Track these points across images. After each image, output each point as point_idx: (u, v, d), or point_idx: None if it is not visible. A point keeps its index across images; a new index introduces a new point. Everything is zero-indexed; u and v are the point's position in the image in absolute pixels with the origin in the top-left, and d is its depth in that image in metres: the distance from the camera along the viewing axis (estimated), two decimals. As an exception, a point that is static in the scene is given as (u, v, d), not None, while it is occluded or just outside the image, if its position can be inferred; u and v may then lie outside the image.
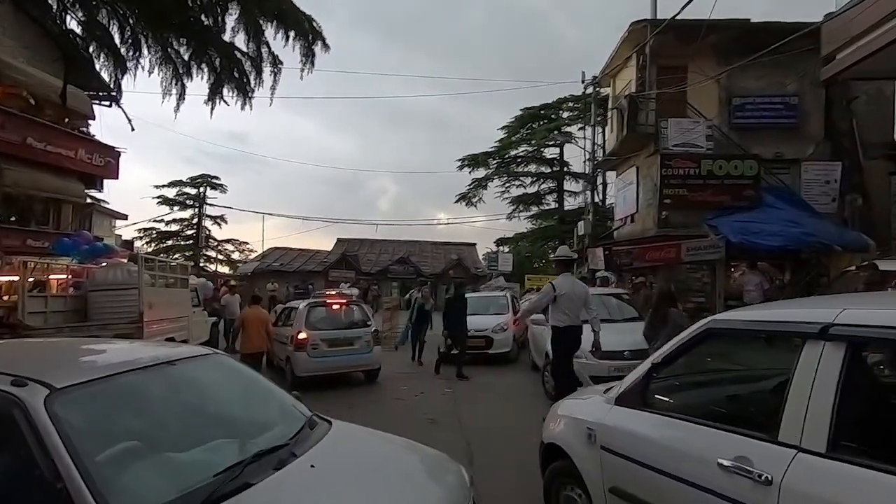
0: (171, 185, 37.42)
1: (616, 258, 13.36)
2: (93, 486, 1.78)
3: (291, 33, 8.42)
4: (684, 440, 2.35)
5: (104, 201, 23.96)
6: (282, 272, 28.64)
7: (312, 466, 2.25)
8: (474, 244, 36.44)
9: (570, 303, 5.82)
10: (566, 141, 29.24)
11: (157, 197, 37.02)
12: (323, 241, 54.25)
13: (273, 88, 9.36)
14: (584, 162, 18.53)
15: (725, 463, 2.07)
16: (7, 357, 2.42)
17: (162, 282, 8.95)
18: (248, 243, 41.42)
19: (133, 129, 13.90)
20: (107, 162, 15.53)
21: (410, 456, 2.77)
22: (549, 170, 32.13)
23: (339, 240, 35.16)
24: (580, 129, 26.89)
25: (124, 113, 11.46)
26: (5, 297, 8.66)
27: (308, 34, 8.49)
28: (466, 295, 10.76)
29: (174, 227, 38.26)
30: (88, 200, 16.25)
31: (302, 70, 8.77)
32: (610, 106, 16.89)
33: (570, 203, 31.44)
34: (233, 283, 16.95)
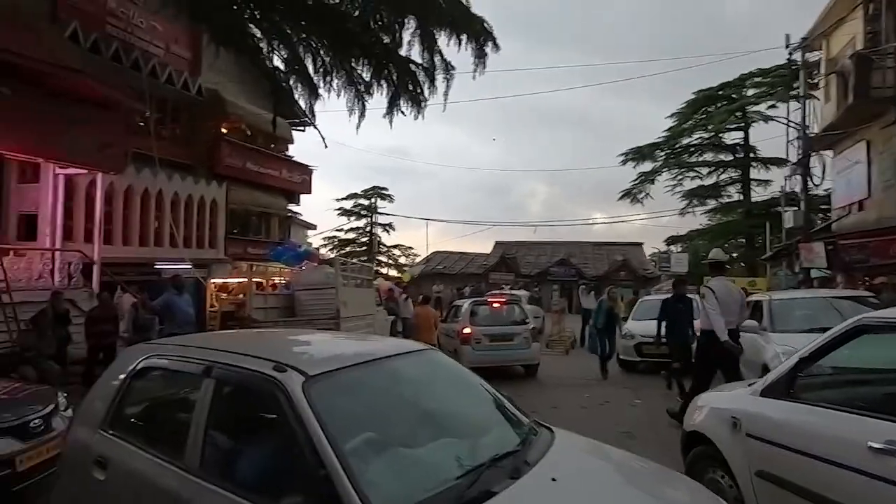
0: (348, 197, 41.88)
1: (844, 254, 10.96)
2: (350, 473, 1.78)
3: (464, 37, 8.57)
4: (833, 426, 2.50)
5: (298, 214, 27.86)
6: (445, 275, 29.98)
7: (554, 480, 2.01)
8: (640, 244, 33.83)
9: (726, 307, 5.60)
10: (757, 120, 25.34)
11: (338, 209, 41.78)
12: (482, 245, 55.68)
13: (446, 94, 9.66)
14: (789, 142, 15.61)
15: (876, 445, 2.22)
16: (261, 345, 2.66)
17: (352, 282, 9.84)
18: (412, 248, 44.52)
19: (326, 147, 15.53)
20: (303, 179, 17.89)
21: (656, 474, 2.40)
22: (730, 157, 28.30)
23: (497, 243, 35.61)
24: (770, 107, 23.08)
25: (319, 133, 13.00)
26: (240, 296, 10.31)
27: (479, 36, 8.56)
28: (644, 298, 9.85)
29: (351, 235, 42.83)
30: (289, 213, 18.84)
31: (474, 72, 8.88)
32: (823, 72, 14.03)
33: (759, 194, 27.24)
34: (405, 284, 18.03)
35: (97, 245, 10.16)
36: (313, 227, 30.57)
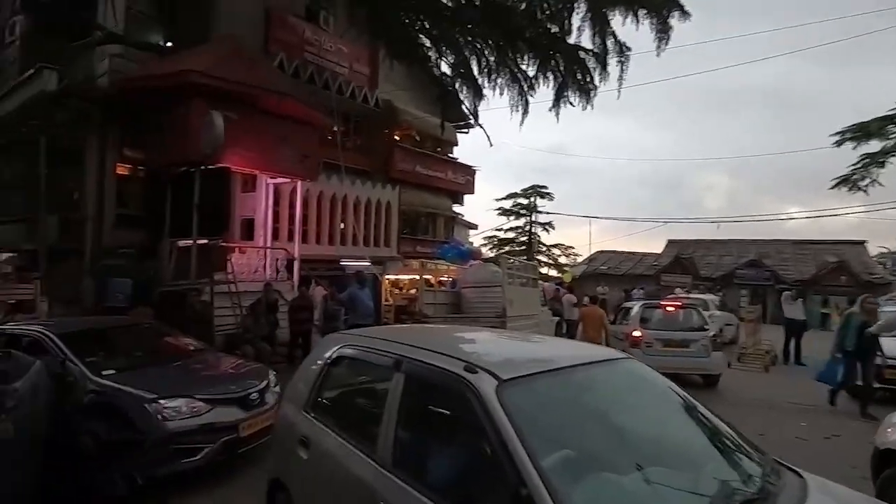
0: (508, 197, 42.13)
1: None
2: (555, 497, 1.55)
3: (642, 13, 7.81)
4: None
5: (461, 214, 28.96)
6: (609, 275, 28.21)
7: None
8: (862, 242, 27.52)
9: None
10: None
11: (497, 209, 42.34)
12: (650, 244, 51.35)
13: (620, 79, 8.97)
14: None
15: None
16: (449, 343, 2.59)
17: (518, 281, 9.69)
18: (573, 248, 42.99)
19: (491, 145, 15.68)
20: (466, 180, 18.42)
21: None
22: None
23: (670, 241, 32.35)
24: None
25: (485, 132, 13.53)
26: (411, 291, 10.95)
27: (661, 7, 7.71)
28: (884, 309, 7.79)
29: (510, 235, 43.03)
30: (453, 213, 19.57)
31: (658, 48, 8.04)
32: None
33: None
34: (567, 285, 17.35)
35: (297, 244, 11.71)
36: (474, 226, 31.41)
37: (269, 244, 11.38)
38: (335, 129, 14.15)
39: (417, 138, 17.31)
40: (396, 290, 12.05)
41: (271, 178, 11.51)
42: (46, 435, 1.29)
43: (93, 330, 5.28)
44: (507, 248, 42.64)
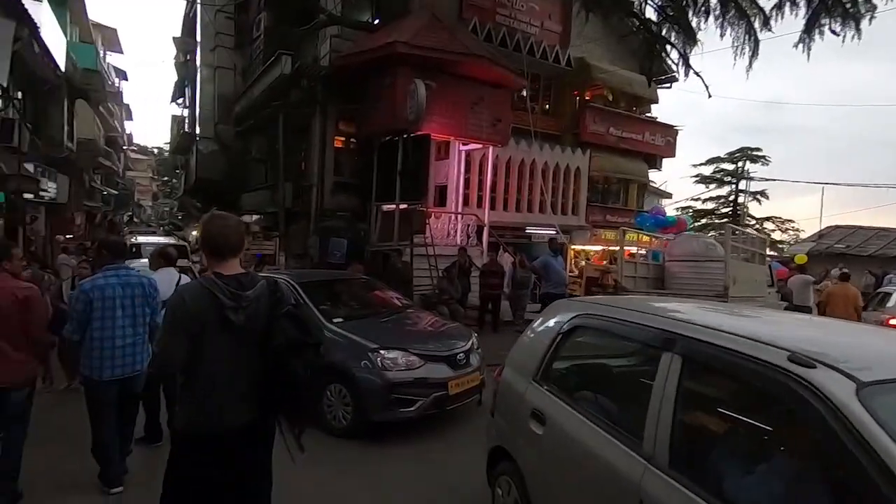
0: (709, 162, 36.92)
1: None
2: None
3: None
4: None
5: (652, 181, 26.21)
6: (849, 256, 22.79)
7: None
8: None
9: None
10: None
11: (695, 175, 37.47)
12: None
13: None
14: None
15: None
16: (736, 320, 2.02)
17: (741, 255, 8.21)
18: (792, 221, 36.04)
19: (710, 96, 13.63)
20: (666, 141, 16.40)
21: None
22: None
23: (945, 215, 24.69)
24: None
25: (702, 81, 11.27)
26: (604, 262, 10.20)
27: None
28: None
29: (709, 206, 37.82)
30: (648, 180, 17.69)
31: None
32: None
33: None
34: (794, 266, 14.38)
35: (486, 210, 11.78)
36: (668, 195, 28.35)
37: (459, 210, 11.69)
38: (524, 93, 13.78)
39: (610, 98, 15.90)
40: (584, 261, 11.36)
41: (463, 144, 11.70)
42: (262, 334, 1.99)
43: (323, 281, 5.91)
44: (703, 221, 37.74)
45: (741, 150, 36.11)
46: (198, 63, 17.02)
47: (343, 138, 11.81)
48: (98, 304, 3.32)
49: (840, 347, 1.65)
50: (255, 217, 13.89)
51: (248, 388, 2.07)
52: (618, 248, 14.00)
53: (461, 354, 4.81)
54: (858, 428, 1.25)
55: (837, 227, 27.13)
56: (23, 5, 7.97)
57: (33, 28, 9.62)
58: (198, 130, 16.50)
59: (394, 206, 9.74)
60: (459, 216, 11.31)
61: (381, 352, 4.44)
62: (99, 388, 3.39)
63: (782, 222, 36.65)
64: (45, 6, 11.43)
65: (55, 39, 12.31)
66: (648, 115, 16.61)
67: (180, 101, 23.76)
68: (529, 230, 13.75)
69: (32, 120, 12.66)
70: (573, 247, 13.59)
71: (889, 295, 9.74)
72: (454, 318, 8.22)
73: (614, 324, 2.29)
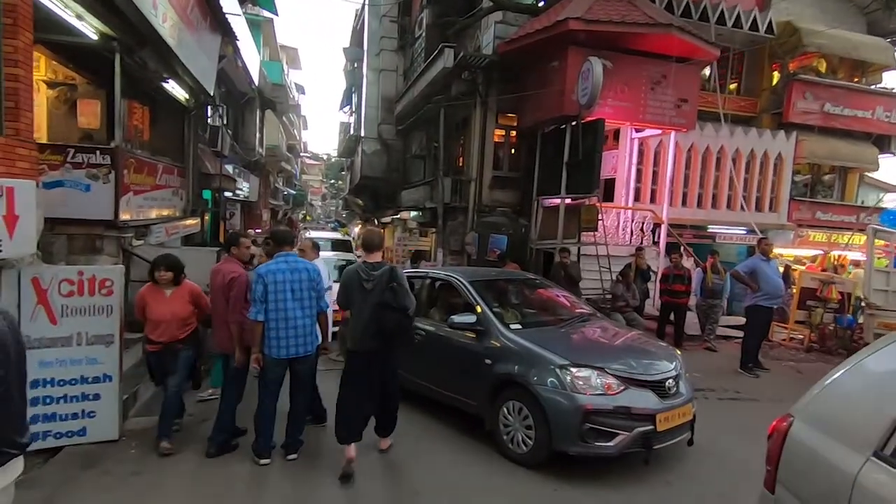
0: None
1: None
2: None
3: None
4: None
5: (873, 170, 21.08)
6: None
7: None
8: None
9: None
10: None
11: (929, 164, 29.56)
12: None
13: None
14: None
15: None
16: None
17: None
18: None
19: None
20: (906, 117, 12.82)
21: None
22: None
23: None
24: None
25: None
26: (824, 271, 8.11)
27: None
28: None
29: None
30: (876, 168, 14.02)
31: None
32: None
33: None
34: None
35: (665, 205, 10.26)
36: (893, 189, 22.58)
37: (630, 205, 10.36)
38: (707, 71, 11.80)
39: (823, 68, 12.92)
40: (797, 267, 9.19)
41: (637, 130, 10.33)
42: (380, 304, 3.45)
43: (495, 280, 5.34)
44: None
45: None
46: (364, 69, 18.01)
47: (503, 131, 11.28)
48: (271, 288, 3.61)
49: None
50: (413, 213, 14.11)
51: (370, 327, 3.50)
52: (842, 252, 11.35)
53: (670, 380, 3.83)
54: None
55: None
56: (229, 24, 8.86)
57: (236, 46, 10.78)
58: (362, 132, 17.43)
59: (558, 200, 8.87)
60: (632, 212, 9.99)
61: (573, 369, 3.67)
62: (272, 365, 3.67)
63: None
64: (244, 26, 12.88)
65: (251, 57, 13.88)
66: (880, 85, 13.15)
67: (347, 108, 25.71)
68: (713, 229, 11.76)
69: (232, 128, 14.47)
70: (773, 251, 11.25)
71: None
72: (631, 328, 7.10)
73: None
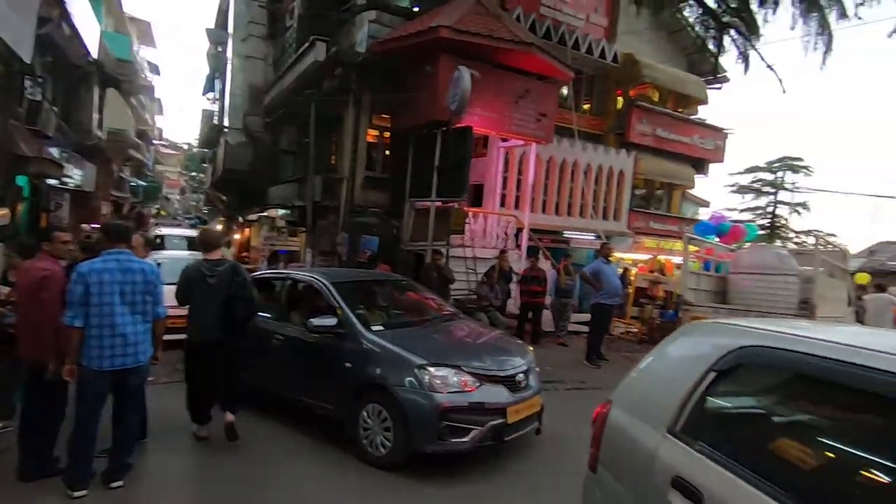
0: (748, 171, 35.41)
1: None
2: None
3: None
4: None
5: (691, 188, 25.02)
6: (904, 274, 21.31)
7: None
8: None
9: None
10: None
11: (732, 185, 35.98)
12: (958, 237, 37.86)
13: None
14: None
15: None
16: None
17: (822, 270, 7.29)
18: (834, 235, 34.27)
19: (784, 91, 12.77)
20: (715, 145, 15.39)
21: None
22: None
23: None
24: None
25: (776, 75, 10.36)
26: (653, 272, 9.36)
27: None
28: None
29: (746, 217, 36.20)
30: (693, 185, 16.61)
31: None
32: None
33: None
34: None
35: (527, 212, 11.02)
36: (706, 203, 26.98)
37: (497, 211, 10.96)
38: (564, 90, 12.99)
39: (656, 98, 14.97)
40: (633, 269, 10.50)
41: (503, 140, 10.97)
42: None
43: (360, 282, 5.25)
44: (739, 232, 36.10)
45: (781, 159, 34.59)
46: (229, 54, 16.67)
47: (376, 131, 11.22)
48: (95, 289, 3.16)
49: None
50: (281, 211, 13.38)
51: (215, 320, 3.85)
52: (666, 257, 13.17)
53: (520, 375, 4.08)
54: None
55: (891, 242, 25.56)
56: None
57: (64, 8, 9.25)
58: (226, 122, 16.13)
59: (430, 202, 9.06)
60: (498, 217, 10.57)
61: (430, 369, 3.73)
62: (92, 378, 3.20)
63: (824, 236, 34.87)
64: (77, -12, 11.12)
65: (88, 25, 12.03)
66: (696, 117, 15.61)
67: (211, 94, 23.59)
68: (568, 235, 12.93)
69: (62, 105, 12.40)
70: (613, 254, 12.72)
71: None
72: (493, 326, 7.50)
73: (823, 365, 1.53)
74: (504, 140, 10.97)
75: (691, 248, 8.17)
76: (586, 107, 14.25)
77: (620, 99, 14.32)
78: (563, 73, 10.03)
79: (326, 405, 4.24)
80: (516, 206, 11.65)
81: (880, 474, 1.37)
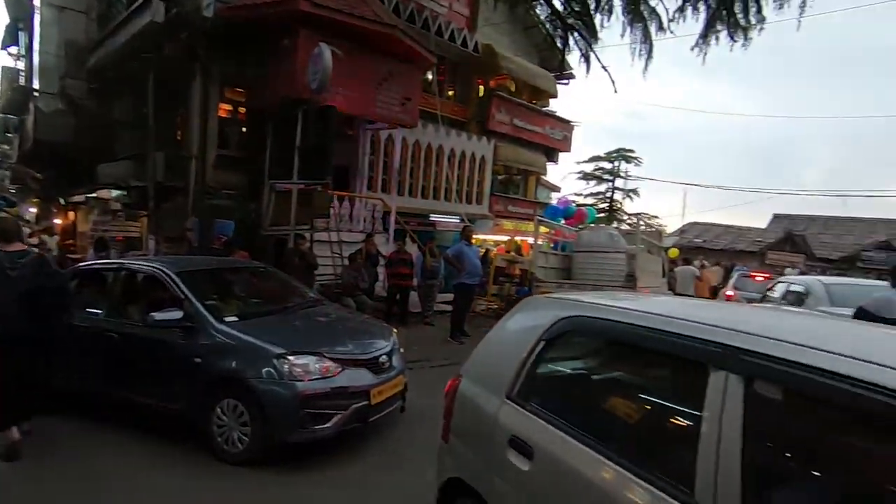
0: (591, 160, 39.70)
1: None
2: None
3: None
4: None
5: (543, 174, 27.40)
6: (706, 250, 25.84)
7: None
8: None
9: None
10: None
11: (578, 172, 40.08)
12: (748, 219, 46.93)
13: (802, 6, 7.27)
14: None
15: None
16: (793, 329, 1.64)
17: (643, 248, 8.53)
18: (657, 217, 40.23)
19: (616, 91, 14.20)
20: (564, 136, 16.96)
21: None
22: None
23: (776, 216, 29.13)
24: None
25: (609, 75, 11.59)
26: (511, 252, 10.10)
27: None
28: None
29: (590, 201, 40.69)
30: (546, 172, 18.15)
31: None
32: None
33: None
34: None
35: (394, 195, 11.09)
36: (557, 189, 29.73)
37: (363, 194, 10.86)
38: (429, 76, 13.25)
39: (513, 89, 15.97)
40: (493, 250, 11.23)
41: (369, 122, 10.85)
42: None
43: (210, 270, 4.86)
44: (585, 215, 40.41)
45: (618, 150, 39.33)
46: (36, 1, 13.90)
47: (230, 106, 10.32)
48: None
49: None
50: (115, 192, 11.69)
51: (18, 310, 3.43)
52: (523, 238, 14.25)
53: (384, 356, 4.17)
54: None
55: (696, 223, 30.71)
56: None
57: None
58: (36, 84, 13.51)
59: (292, 185, 8.65)
60: (364, 200, 10.48)
61: (290, 357, 3.63)
62: None
63: (650, 218, 40.69)
64: None
65: None
66: (548, 109, 17.01)
67: (13, 49, 19.46)
68: (434, 218, 13.33)
69: None
70: (475, 236, 13.45)
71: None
72: (361, 311, 7.50)
73: (627, 330, 1.83)
74: (370, 122, 10.86)
75: (542, 229, 8.98)
76: (451, 93, 14.69)
77: (482, 88, 15.00)
78: (426, 57, 10.19)
79: (170, 405, 3.90)
80: (383, 190, 11.67)
81: (680, 419, 1.69)
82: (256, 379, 3.57)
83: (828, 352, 1.27)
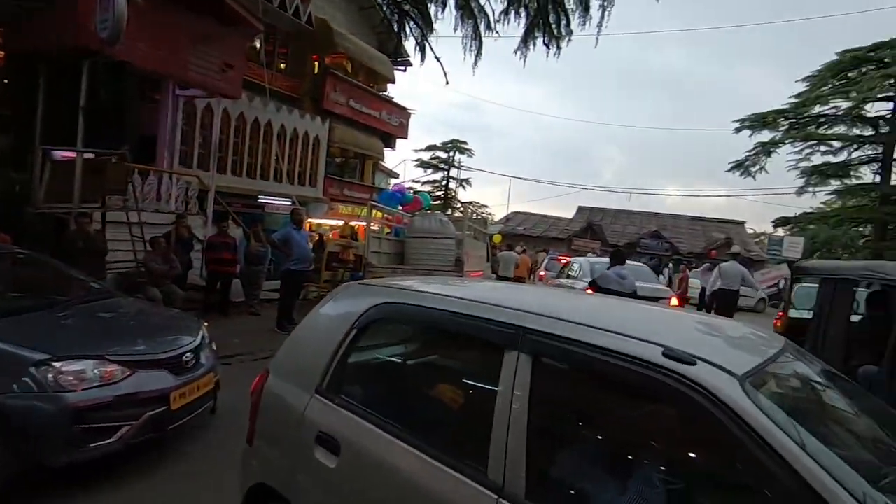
0: (428, 149, 41.05)
1: None
2: None
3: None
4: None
5: (381, 160, 27.46)
6: (525, 236, 28.80)
7: None
8: (742, 222, 30.79)
9: None
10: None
11: (416, 160, 41.15)
12: (558, 209, 53.47)
13: (600, 26, 8.33)
14: None
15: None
16: (577, 308, 1.79)
17: (469, 234, 9.03)
18: (487, 206, 43.45)
19: (448, 83, 14.62)
20: (400, 122, 17.10)
21: None
22: (870, 132, 24.51)
23: (580, 208, 33.72)
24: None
25: (441, 66, 12.04)
26: (346, 237, 9.84)
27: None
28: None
29: (427, 188, 42.13)
30: (383, 157, 18.13)
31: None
32: None
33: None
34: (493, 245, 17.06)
35: (213, 172, 9.94)
36: (395, 175, 30.11)
37: (174, 169, 9.51)
38: (257, 44, 12.17)
39: (349, 69, 15.54)
40: (326, 236, 10.84)
41: (182, 87, 9.50)
42: None
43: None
44: (423, 202, 41.75)
45: (452, 141, 41.33)
46: None
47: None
48: None
49: (686, 335, 1.58)
50: None
51: None
52: (359, 223, 14.04)
53: (188, 354, 3.68)
54: (751, 423, 1.12)
55: (518, 212, 34.00)
56: None
57: None
58: None
59: (76, 153, 7.14)
60: (176, 177, 9.18)
61: (56, 364, 2.96)
62: None
63: (480, 206, 43.77)
64: None
65: None
66: (385, 94, 16.96)
67: None
68: (262, 199, 12.36)
69: None
70: (309, 220, 12.86)
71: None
72: (169, 303, 6.60)
73: (433, 315, 1.84)
74: (182, 87, 9.51)
75: (377, 214, 8.93)
76: (283, 66, 13.67)
77: (317, 64, 14.26)
78: (252, 23, 9.26)
79: None
80: (200, 166, 10.38)
81: (478, 400, 1.73)
82: (5, 394, 2.83)
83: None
